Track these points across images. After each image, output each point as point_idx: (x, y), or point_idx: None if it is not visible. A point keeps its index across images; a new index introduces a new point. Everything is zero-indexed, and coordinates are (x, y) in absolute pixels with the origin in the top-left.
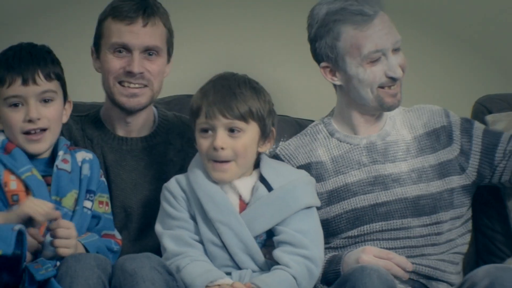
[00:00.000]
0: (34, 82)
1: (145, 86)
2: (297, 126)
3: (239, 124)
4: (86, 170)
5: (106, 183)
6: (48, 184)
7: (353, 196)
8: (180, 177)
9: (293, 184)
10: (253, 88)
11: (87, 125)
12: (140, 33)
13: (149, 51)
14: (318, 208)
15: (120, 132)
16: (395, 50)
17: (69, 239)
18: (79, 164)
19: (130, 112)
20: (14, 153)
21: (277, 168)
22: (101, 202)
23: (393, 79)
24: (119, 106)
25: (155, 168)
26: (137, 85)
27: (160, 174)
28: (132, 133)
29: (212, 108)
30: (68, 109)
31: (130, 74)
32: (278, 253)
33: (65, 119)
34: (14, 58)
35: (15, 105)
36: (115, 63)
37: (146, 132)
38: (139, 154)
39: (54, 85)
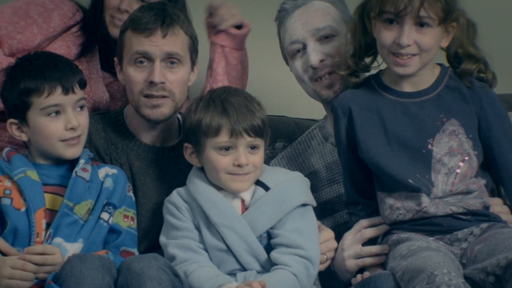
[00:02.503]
0: (73, 91)
1: (166, 97)
2: (295, 126)
3: (259, 141)
4: (108, 184)
5: (134, 199)
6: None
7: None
8: (181, 189)
9: (288, 182)
10: (257, 102)
11: (110, 127)
12: (159, 43)
13: (170, 60)
14: None
15: (146, 140)
16: (325, 38)
17: (55, 266)
18: (101, 179)
19: (155, 123)
20: (12, 159)
21: (270, 170)
22: (126, 216)
23: (312, 68)
24: (144, 117)
25: (181, 178)
26: (159, 97)
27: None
28: (158, 142)
29: (237, 127)
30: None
31: (151, 84)
32: (275, 254)
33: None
34: (48, 67)
35: (54, 113)
36: (138, 76)
37: (172, 141)
38: (166, 163)
39: (84, 93)
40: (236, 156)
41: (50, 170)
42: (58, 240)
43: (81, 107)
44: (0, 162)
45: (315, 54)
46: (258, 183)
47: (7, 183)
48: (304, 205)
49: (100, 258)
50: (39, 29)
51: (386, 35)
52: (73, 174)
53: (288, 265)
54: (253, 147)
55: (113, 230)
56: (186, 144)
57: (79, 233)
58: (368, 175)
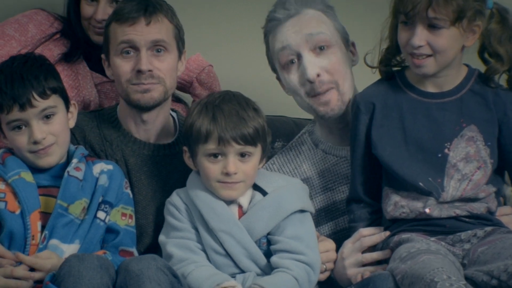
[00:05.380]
0: (31, 105)
1: (157, 83)
2: (294, 126)
3: (250, 149)
4: (103, 181)
5: (131, 196)
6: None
7: (342, 215)
8: (181, 190)
9: (286, 188)
10: (254, 109)
11: (104, 124)
12: (144, 31)
13: (157, 48)
14: None
15: (139, 136)
16: (320, 49)
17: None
18: (96, 175)
19: (145, 109)
20: (6, 161)
21: (268, 175)
22: (124, 214)
23: (310, 82)
24: (135, 105)
25: (176, 177)
26: (148, 83)
27: (182, 183)
28: (152, 138)
29: (225, 135)
30: (74, 111)
31: (139, 72)
32: (276, 259)
33: (72, 123)
34: (6, 83)
35: (18, 127)
36: (125, 65)
37: (167, 139)
38: (161, 161)
39: (52, 100)
40: (225, 164)
41: (42, 171)
42: (54, 241)
43: (48, 116)
44: None
45: (311, 67)
46: (256, 188)
47: (1, 186)
48: (302, 211)
49: (98, 258)
50: (17, 42)
51: (401, 36)
52: (65, 174)
53: (290, 268)
54: (244, 155)
55: (111, 230)
56: (184, 147)
57: (75, 233)
58: (378, 173)
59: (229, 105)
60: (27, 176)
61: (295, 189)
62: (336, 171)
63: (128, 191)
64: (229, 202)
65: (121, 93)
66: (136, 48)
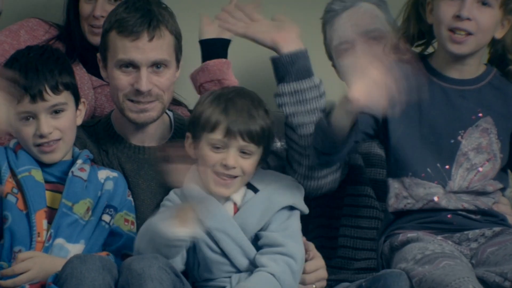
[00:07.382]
0: (42, 98)
1: (155, 100)
2: None
3: (252, 147)
4: (109, 186)
5: (133, 203)
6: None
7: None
8: (177, 190)
9: (278, 184)
10: (265, 110)
11: (100, 135)
12: (146, 48)
13: (157, 65)
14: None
15: (135, 141)
16: (373, 39)
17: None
18: (101, 180)
19: (142, 126)
20: (19, 154)
21: (261, 173)
22: (126, 220)
23: None
24: (130, 121)
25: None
26: (146, 102)
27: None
28: (147, 141)
29: (233, 128)
30: (83, 109)
31: (138, 92)
32: (257, 256)
33: (79, 121)
34: (20, 72)
35: (26, 119)
36: (123, 80)
37: (163, 139)
38: (157, 163)
39: (63, 96)
40: (226, 156)
41: (51, 167)
42: (59, 240)
43: (58, 112)
44: (9, 153)
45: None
46: (249, 185)
47: (14, 181)
48: (292, 208)
49: (101, 259)
50: (10, 46)
51: (446, 9)
52: (70, 174)
53: (266, 265)
54: (245, 152)
55: (114, 233)
56: (187, 133)
57: (80, 233)
58: None
59: (243, 100)
60: (37, 174)
61: (287, 185)
62: None
63: (131, 198)
64: (224, 200)
65: (116, 104)
66: (135, 66)
